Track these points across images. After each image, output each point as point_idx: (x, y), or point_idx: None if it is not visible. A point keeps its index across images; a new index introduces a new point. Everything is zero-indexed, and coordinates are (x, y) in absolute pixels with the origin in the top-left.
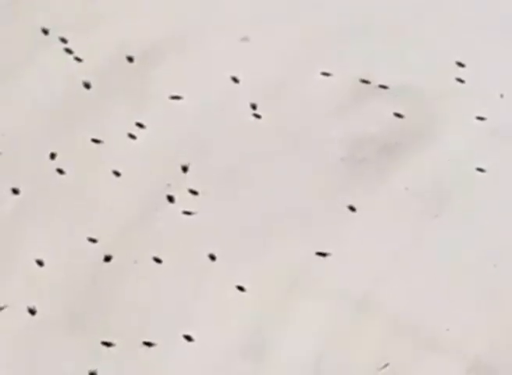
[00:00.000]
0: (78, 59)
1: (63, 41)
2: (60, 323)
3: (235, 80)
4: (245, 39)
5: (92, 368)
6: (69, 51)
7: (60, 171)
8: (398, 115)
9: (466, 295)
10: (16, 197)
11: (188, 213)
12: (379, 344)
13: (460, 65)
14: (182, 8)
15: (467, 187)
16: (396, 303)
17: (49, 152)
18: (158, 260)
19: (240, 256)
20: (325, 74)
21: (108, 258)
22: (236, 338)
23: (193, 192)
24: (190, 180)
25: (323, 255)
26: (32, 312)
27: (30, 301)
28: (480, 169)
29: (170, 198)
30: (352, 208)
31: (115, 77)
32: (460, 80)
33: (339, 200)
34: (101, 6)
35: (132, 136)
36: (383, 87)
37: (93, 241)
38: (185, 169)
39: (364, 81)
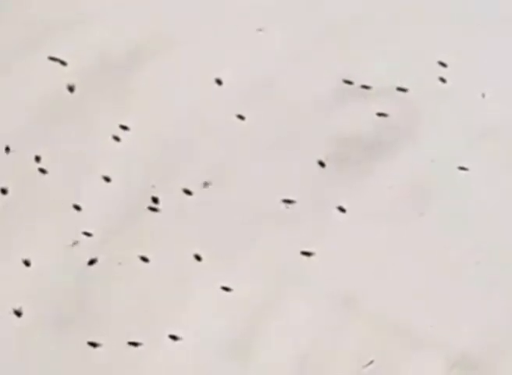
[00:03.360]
0: (62, 62)
1: (47, 44)
2: (46, 325)
3: (219, 81)
4: (229, 40)
5: (79, 369)
6: (53, 53)
7: (45, 172)
8: (381, 114)
9: (449, 293)
10: (4, 197)
11: (173, 214)
12: (364, 341)
13: (443, 65)
14: (166, 9)
15: (450, 186)
16: (381, 301)
17: (34, 154)
18: (143, 261)
19: (225, 256)
20: (309, 75)
21: (93, 260)
22: (222, 338)
23: (178, 193)
24: (175, 181)
25: (308, 254)
26: (18, 313)
27: (17, 302)
28: (462, 168)
29: (155, 200)
30: (336, 208)
31: (99, 79)
32: (443, 80)
33: (324, 199)
34: (85, 8)
35: (116, 138)
36: (366, 87)
37: (78, 242)
38: (169, 170)
39: (347, 82)
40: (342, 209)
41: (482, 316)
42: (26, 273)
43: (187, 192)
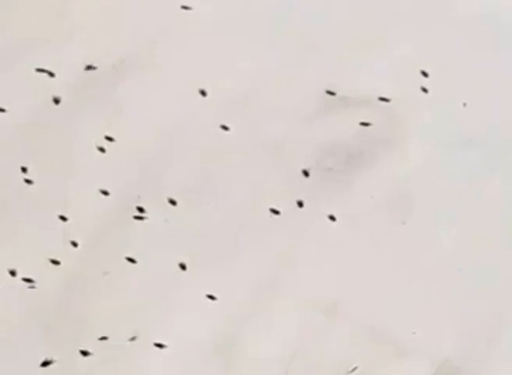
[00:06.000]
0: (50, 74)
1: (33, 56)
2: (32, 334)
3: (203, 92)
4: (213, 51)
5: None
6: (39, 65)
7: (31, 183)
8: (364, 124)
9: (431, 300)
10: None
11: (158, 224)
12: (347, 349)
13: (424, 74)
14: (150, 21)
15: (433, 195)
16: (364, 309)
17: (20, 166)
18: (128, 270)
19: (210, 265)
20: (292, 85)
21: (79, 270)
22: (207, 346)
23: (163, 203)
24: (160, 191)
25: (292, 262)
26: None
27: (4, 311)
28: (444, 178)
29: (140, 210)
30: (320, 216)
31: (84, 91)
32: (425, 90)
33: (306, 208)
34: (70, 21)
35: (101, 149)
36: (348, 97)
37: (64, 251)
38: (155, 181)
39: (330, 92)
40: (325, 218)
41: (465, 322)
42: (12, 283)
43: (172, 202)
